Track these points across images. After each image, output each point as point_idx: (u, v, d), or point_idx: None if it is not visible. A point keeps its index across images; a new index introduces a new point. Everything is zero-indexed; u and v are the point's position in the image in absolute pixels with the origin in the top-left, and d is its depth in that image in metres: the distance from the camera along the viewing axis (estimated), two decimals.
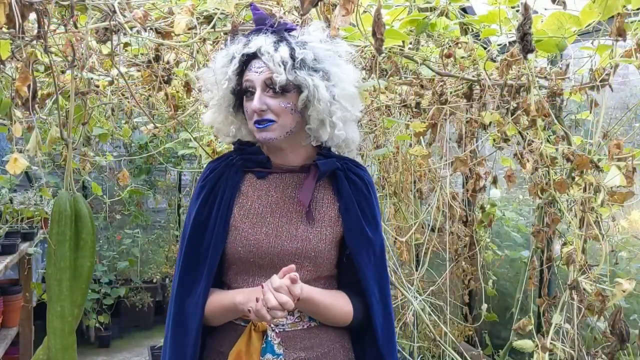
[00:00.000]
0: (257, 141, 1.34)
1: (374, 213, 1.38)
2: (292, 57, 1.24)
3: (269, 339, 1.31)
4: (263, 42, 1.25)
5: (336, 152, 1.40)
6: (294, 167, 1.36)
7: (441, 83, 1.98)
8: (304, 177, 1.34)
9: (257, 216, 1.33)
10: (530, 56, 1.57)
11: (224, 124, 1.37)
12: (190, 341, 1.30)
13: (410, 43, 1.78)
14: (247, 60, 1.28)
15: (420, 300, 2.34)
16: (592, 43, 1.57)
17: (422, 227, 2.81)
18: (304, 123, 1.30)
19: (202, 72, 1.38)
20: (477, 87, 1.99)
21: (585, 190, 1.60)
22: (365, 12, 1.53)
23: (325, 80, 1.26)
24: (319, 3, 1.21)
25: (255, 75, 1.26)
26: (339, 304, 1.35)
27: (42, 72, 1.91)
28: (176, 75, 1.94)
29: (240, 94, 1.31)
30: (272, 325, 1.31)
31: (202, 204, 1.35)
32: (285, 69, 1.23)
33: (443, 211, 2.58)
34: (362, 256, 1.34)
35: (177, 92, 2.43)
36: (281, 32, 1.29)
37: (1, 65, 1.28)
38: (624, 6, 1.34)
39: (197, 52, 1.75)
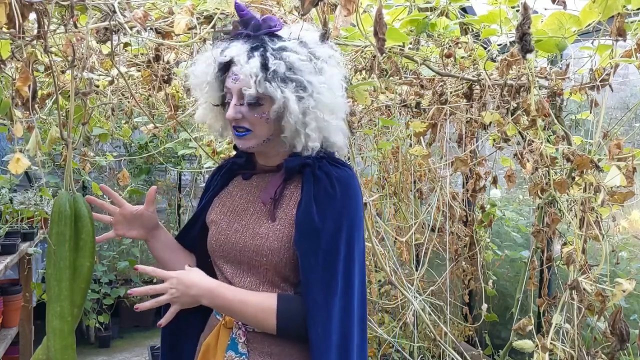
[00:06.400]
0: None
1: (334, 209, 1.24)
2: (265, 67, 1.20)
3: (234, 336, 1.31)
4: (237, 50, 1.23)
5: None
6: (275, 168, 1.35)
7: (441, 83, 1.98)
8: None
9: (234, 214, 1.36)
10: (530, 56, 1.58)
11: (215, 121, 1.38)
12: None
13: (410, 43, 1.78)
14: (228, 65, 1.26)
15: (420, 300, 2.34)
16: (592, 43, 1.57)
17: (422, 227, 2.81)
18: (280, 131, 1.27)
19: (189, 71, 1.37)
20: (477, 87, 1.99)
21: (585, 190, 1.60)
22: (365, 12, 1.54)
23: (300, 91, 1.22)
24: (319, 3, 1.21)
25: (232, 83, 1.25)
26: (255, 300, 1.25)
27: (42, 72, 1.91)
28: (176, 75, 1.94)
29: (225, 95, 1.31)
30: (239, 323, 1.31)
31: (199, 202, 1.52)
32: (255, 82, 1.20)
33: (443, 211, 2.59)
34: (307, 254, 1.23)
35: (177, 92, 2.43)
36: (260, 37, 1.24)
37: (1, 65, 1.28)
38: (624, 6, 1.34)
39: (197, 52, 1.75)
